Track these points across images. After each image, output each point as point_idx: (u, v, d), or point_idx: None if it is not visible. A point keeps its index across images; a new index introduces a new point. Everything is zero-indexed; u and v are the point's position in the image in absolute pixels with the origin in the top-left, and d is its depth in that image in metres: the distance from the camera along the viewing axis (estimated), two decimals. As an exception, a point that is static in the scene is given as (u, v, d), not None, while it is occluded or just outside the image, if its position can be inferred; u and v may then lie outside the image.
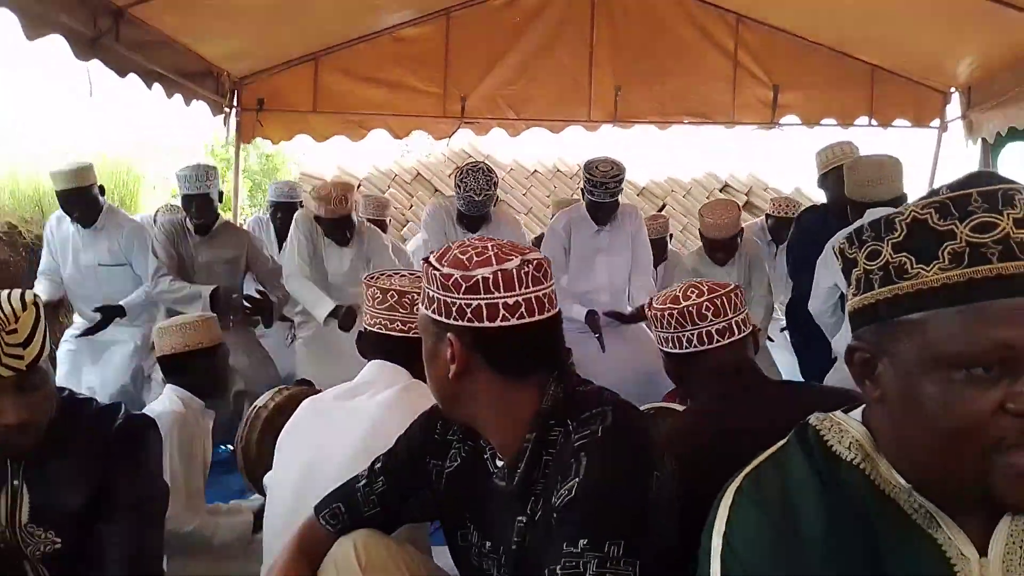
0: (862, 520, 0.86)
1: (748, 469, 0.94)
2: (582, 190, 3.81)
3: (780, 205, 5.01)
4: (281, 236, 4.62)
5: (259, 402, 2.59)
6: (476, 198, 3.71)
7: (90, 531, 1.48)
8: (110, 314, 3.69)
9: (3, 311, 1.35)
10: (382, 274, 1.79)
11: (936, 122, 5.28)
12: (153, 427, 1.61)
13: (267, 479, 1.79)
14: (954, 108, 5.15)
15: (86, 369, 3.82)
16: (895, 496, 0.86)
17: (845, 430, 0.92)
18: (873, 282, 0.84)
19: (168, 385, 2.44)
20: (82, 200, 3.66)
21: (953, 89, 5.10)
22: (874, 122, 5.31)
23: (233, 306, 3.80)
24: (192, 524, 2.20)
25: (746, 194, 7.96)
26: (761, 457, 0.95)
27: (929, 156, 5.40)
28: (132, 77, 4.09)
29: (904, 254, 0.80)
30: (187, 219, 3.89)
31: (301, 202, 4.90)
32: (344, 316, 3.66)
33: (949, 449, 0.80)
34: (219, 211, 3.99)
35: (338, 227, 3.82)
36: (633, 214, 4.02)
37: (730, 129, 5.46)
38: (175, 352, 2.41)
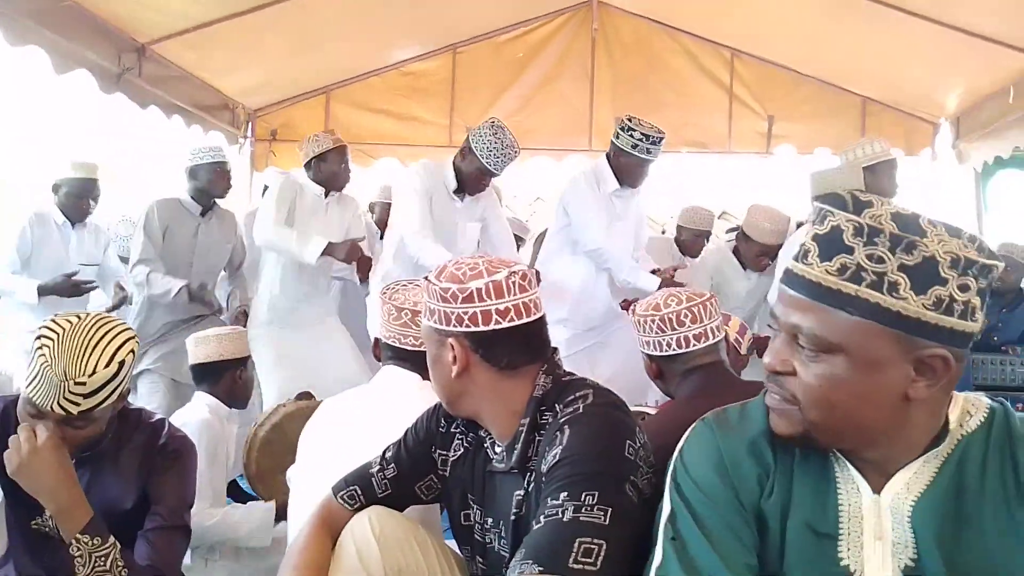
0: (791, 452, 1.06)
1: (718, 410, 1.14)
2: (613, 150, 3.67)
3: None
4: None
5: (258, 420, 2.68)
6: (514, 152, 3.48)
7: (131, 534, 1.65)
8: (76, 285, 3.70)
9: (84, 363, 1.50)
10: (397, 287, 1.96)
11: (927, 151, 5.41)
12: (191, 447, 1.82)
13: (290, 472, 1.93)
14: (944, 137, 5.29)
15: None
16: None
17: None
18: None
19: (197, 392, 2.59)
20: (92, 190, 3.93)
21: (942, 119, 5.25)
22: (867, 151, 5.46)
23: (206, 300, 3.77)
24: (216, 516, 2.34)
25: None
26: (732, 405, 1.14)
27: (921, 184, 5.55)
28: (153, 109, 4.31)
29: None
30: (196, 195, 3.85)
31: None
32: (343, 249, 3.52)
33: None
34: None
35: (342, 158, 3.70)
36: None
37: (726, 158, 5.64)
38: (209, 361, 2.56)
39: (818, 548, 1.01)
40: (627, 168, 3.68)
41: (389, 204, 4.63)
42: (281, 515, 2.48)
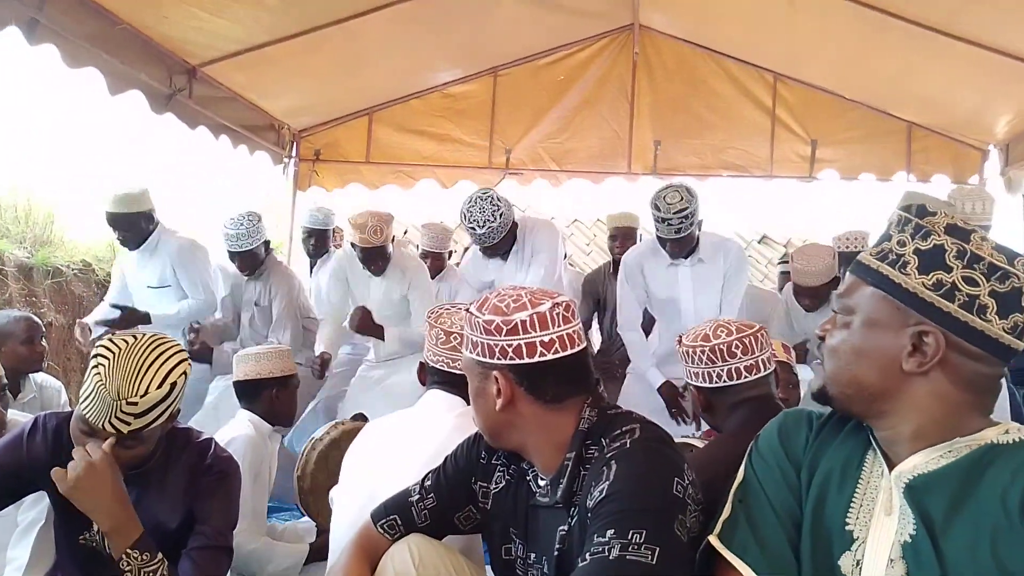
0: (841, 433, 1.20)
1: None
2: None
3: (846, 240, 4.30)
4: (313, 260, 4.70)
5: (316, 435, 2.72)
6: (479, 231, 3.36)
7: (176, 553, 1.67)
8: (133, 317, 3.65)
9: (137, 383, 1.53)
10: (443, 311, 1.95)
11: (975, 178, 5.26)
12: (236, 467, 1.83)
13: (333, 492, 1.93)
14: (993, 164, 5.17)
15: None
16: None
17: None
18: None
19: (241, 409, 2.61)
20: (123, 224, 3.70)
21: (991, 146, 5.14)
22: (912, 177, 5.35)
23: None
24: (254, 544, 2.34)
25: (784, 245, 8.04)
26: None
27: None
28: (202, 129, 4.41)
29: None
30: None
31: (334, 229, 4.88)
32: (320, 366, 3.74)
33: None
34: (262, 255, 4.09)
35: (370, 257, 3.73)
36: (729, 250, 3.45)
37: (768, 182, 5.57)
38: (248, 379, 2.58)
39: (829, 510, 1.12)
40: (660, 243, 3.40)
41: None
42: (315, 557, 2.48)
